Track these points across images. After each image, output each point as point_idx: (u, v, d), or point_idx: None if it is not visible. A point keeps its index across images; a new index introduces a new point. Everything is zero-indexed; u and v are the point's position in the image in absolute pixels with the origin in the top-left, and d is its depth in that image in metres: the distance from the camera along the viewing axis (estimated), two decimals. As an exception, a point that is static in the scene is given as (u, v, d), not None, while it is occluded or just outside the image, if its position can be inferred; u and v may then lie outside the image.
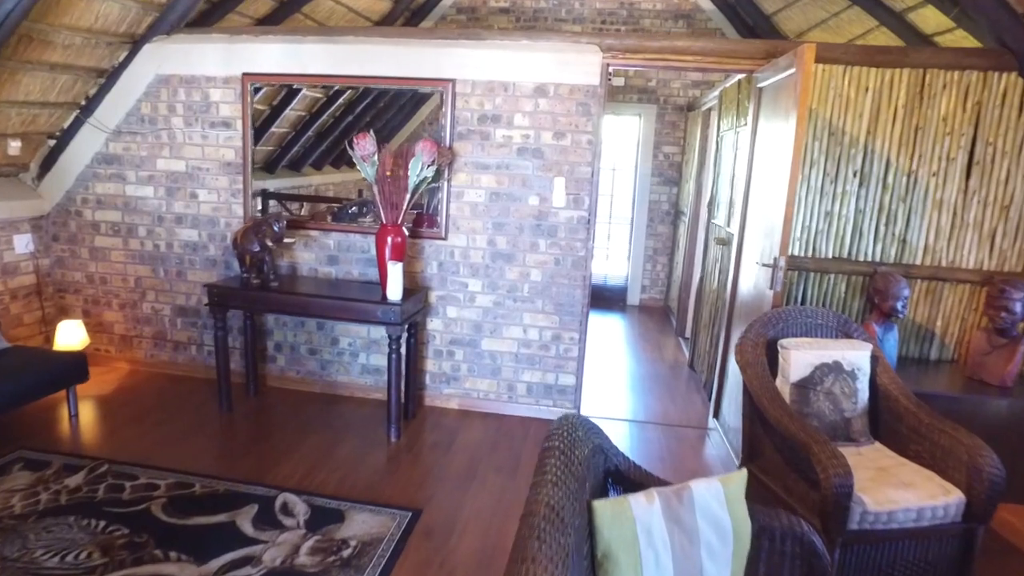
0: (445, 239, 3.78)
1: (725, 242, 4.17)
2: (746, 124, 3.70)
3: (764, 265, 2.84)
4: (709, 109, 5.37)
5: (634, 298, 7.01)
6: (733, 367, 3.45)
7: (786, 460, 2.43)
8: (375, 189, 3.30)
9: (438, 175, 3.57)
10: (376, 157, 3.22)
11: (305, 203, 4.68)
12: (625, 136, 6.98)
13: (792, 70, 2.71)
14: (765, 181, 3.15)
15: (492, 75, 3.58)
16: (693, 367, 5.00)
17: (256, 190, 4.05)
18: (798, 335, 2.71)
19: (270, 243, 3.35)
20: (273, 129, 4.21)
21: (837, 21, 4.57)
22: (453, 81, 3.59)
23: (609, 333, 5.93)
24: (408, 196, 3.32)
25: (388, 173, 3.24)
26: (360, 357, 4.04)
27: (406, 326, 3.50)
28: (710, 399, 4.23)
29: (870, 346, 2.65)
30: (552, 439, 1.45)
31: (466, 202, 3.73)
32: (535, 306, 3.79)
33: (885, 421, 2.58)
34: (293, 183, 4.64)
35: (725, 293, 3.99)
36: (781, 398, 2.42)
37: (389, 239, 3.35)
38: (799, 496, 2.32)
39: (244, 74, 3.80)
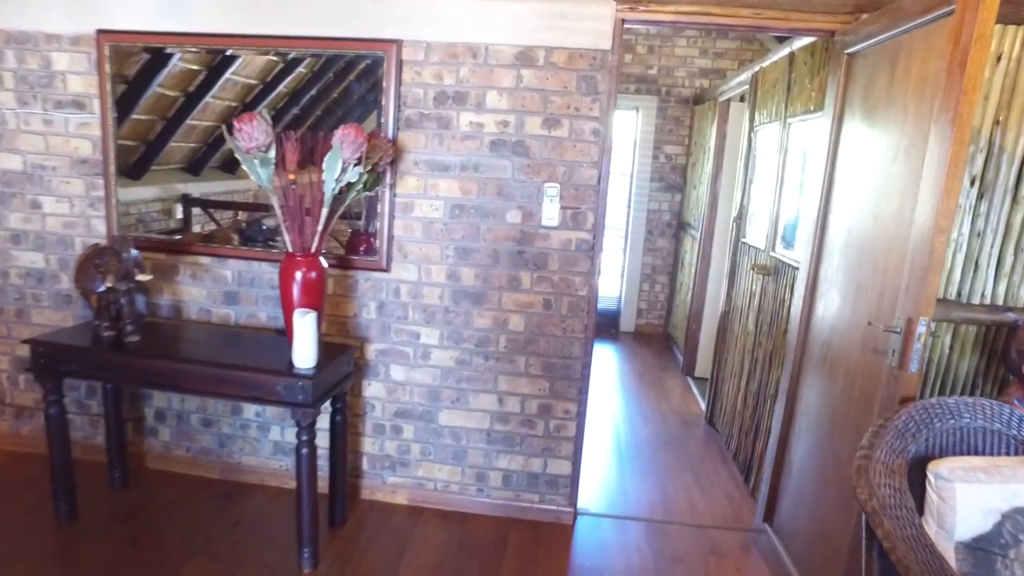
0: (387, 270, 2.65)
1: (769, 271, 3.13)
2: (814, 111, 2.66)
3: (886, 330, 1.78)
4: (729, 99, 4.35)
5: (628, 324, 5.96)
6: (800, 460, 2.39)
7: None
8: (273, 201, 2.17)
9: (376, 180, 2.45)
10: (272, 152, 2.09)
11: (240, 211, 3.57)
12: (620, 133, 5.92)
13: (943, 10, 1.65)
14: (866, 194, 2.11)
15: (455, 35, 2.47)
16: (713, 423, 3.96)
17: (175, 195, 2.97)
18: (950, 449, 1.66)
19: (111, 283, 2.18)
20: (193, 121, 3.06)
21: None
22: (398, 43, 2.47)
23: (601, 369, 4.86)
24: (325, 211, 2.19)
25: (292, 176, 2.11)
26: (271, 432, 2.90)
27: (326, 403, 2.37)
28: (745, 478, 3.19)
29: (1074, 470, 1.61)
30: None
31: (417, 218, 2.62)
32: (515, 366, 2.68)
33: (1112, 604, 1.54)
34: (226, 187, 3.50)
35: (772, 342, 2.95)
36: (961, 585, 1.37)
37: (298, 275, 2.22)
38: None
39: (100, 32, 2.64)
